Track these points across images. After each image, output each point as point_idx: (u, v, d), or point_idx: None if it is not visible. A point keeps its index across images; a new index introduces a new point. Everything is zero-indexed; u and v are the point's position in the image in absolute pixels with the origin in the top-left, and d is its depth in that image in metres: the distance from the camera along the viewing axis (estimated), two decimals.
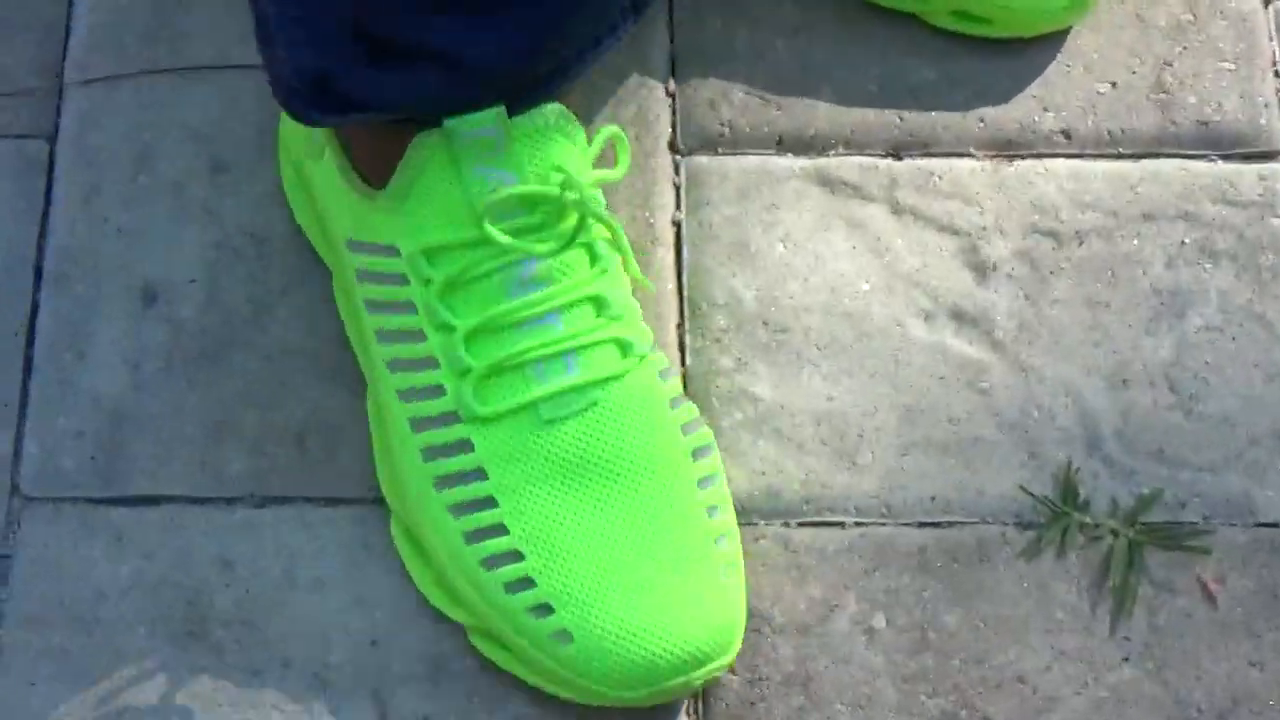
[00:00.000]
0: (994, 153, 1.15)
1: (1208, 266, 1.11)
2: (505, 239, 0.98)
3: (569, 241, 0.99)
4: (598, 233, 1.01)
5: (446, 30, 1.00)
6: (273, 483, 1.05)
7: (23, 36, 1.21)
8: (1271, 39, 1.21)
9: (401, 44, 1.02)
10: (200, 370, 1.09)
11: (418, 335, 1.01)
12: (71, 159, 1.15)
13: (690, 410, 1.03)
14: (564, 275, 1.00)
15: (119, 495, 1.05)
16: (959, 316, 1.10)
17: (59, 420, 1.07)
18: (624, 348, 1.00)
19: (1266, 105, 1.18)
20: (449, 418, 1.00)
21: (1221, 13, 1.21)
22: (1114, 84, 1.18)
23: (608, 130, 1.03)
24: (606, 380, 1.00)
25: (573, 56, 1.05)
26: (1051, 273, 1.11)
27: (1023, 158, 1.15)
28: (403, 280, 1.02)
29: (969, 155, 1.15)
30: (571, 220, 1.00)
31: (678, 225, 1.13)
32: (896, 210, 1.13)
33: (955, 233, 1.13)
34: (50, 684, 1.00)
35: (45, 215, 1.14)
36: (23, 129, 1.17)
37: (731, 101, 1.18)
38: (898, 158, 1.15)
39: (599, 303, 1.00)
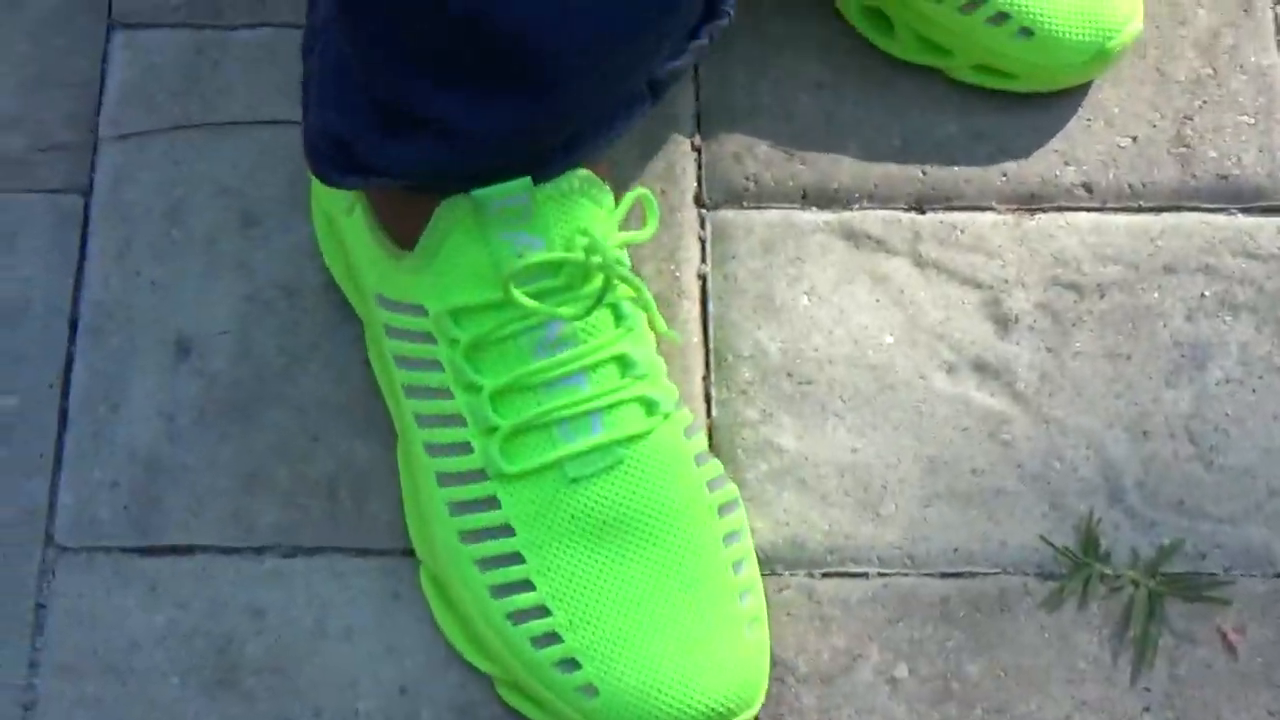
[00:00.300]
0: (1016, 206, 1.15)
1: (1228, 319, 1.12)
2: (531, 303, 0.99)
3: (594, 304, 1.00)
4: (623, 293, 1.02)
5: (450, 106, 1.01)
6: (304, 533, 1.05)
7: (58, 93, 1.22)
8: None
9: (409, 114, 1.03)
10: (233, 422, 1.09)
11: (445, 393, 1.02)
12: (106, 213, 1.16)
13: (716, 467, 1.04)
14: (589, 336, 1.01)
15: (152, 545, 1.05)
16: (981, 369, 1.10)
17: (94, 472, 1.07)
18: (649, 406, 1.01)
19: None
20: (476, 475, 1.00)
21: (1241, 67, 1.22)
22: (1134, 138, 1.19)
23: (636, 192, 1.04)
24: (632, 439, 1.00)
25: (584, 135, 1.05)
26: (1073, 325, 1.12)
27: (1044, 211, 1.16)
28: (430, 339, 1.02)
29: (991, 209, 1.15)
30: (596, 283, 1.00)
31: (703, 278, 1.14)
32: (919, 263, 1.14)
33: (978, 285, 1.13)
34: None
35: (80, 269, 1.14)
36: (58, 184, 1.18)
37: (756, 156, 1.18)
38: (921, 211, 1.15)
39: (624, 362, 1.01)
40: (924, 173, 1.18)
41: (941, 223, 1.15)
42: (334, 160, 1.05)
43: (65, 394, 1.10)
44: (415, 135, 1.02)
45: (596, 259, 1.00)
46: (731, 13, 1.06)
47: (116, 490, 1.07)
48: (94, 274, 1.14)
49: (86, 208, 1.17)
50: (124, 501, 1.06)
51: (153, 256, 1.15)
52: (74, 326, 1.12)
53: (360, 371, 1.10)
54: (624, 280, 1.01)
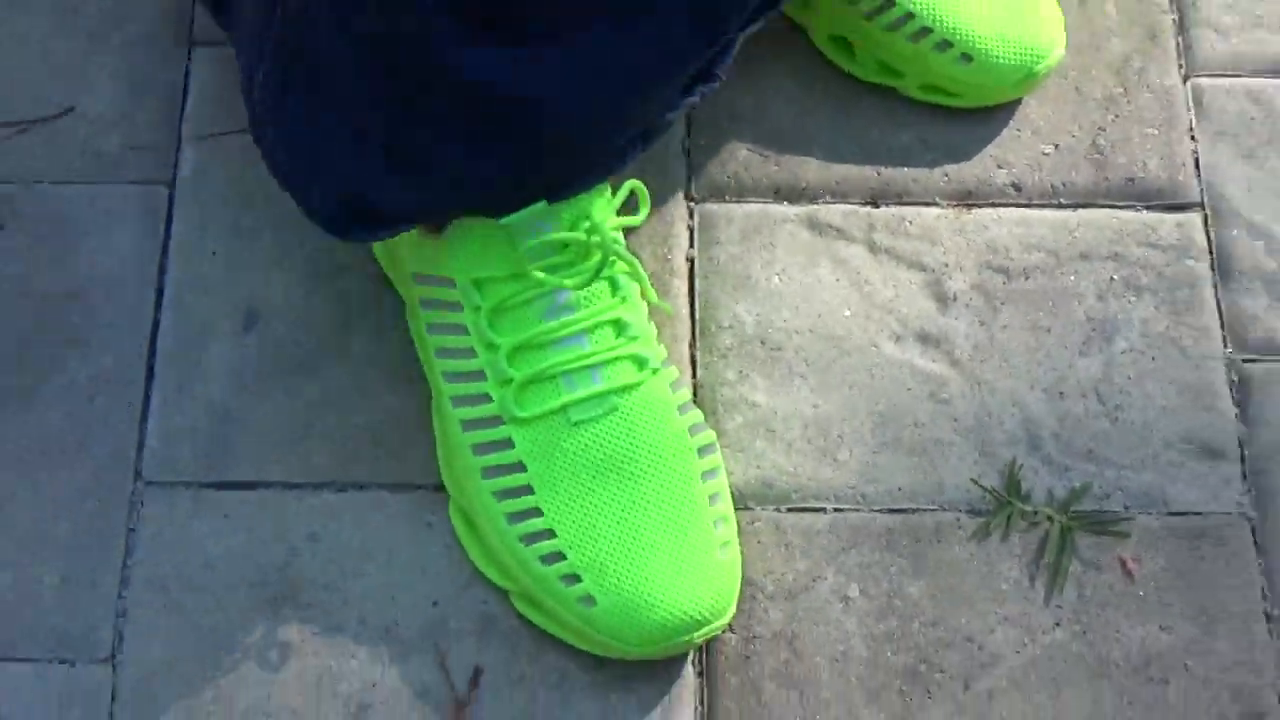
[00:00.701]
0: (956, 202, 1.16)
1: (1132, 299, 1.13)
2: (542, 275, 1.00)
3: (594, 276, 1.02)
4: (619, 268, 1.04)
5: (453, 156, 1.02)
6: (353, 471, 1.07)
7: (149, 100, 1.23)
8: (1189, 109, 1.22)
9: (415, 162, 1.04)
10: (294, 378, 1.11)
11: (469, 352, 1.03)
12: (186, 202, 1.17)
13: (697, 415, 1.04)
14: (590, 303, 1.02)
15: (225, 480, 1.07)
16: (924, 339, 1.11)
17: (175, 419, 1.09)
18: (640, 362, 1.02)
19: (1183, 165, 1.19)
20: (494, 420, 1.02)
21: (1147, 87, 1.22)
22: (1056, 146, 1.19)
23: (630, 183, 1.05)
24: (625, 389, 1.02)
25: (580, 178, 1.06)
26: (1002, 303, 1.13)
27: (980, 206, 1.17)
28: (456, 306, 1.04)
29: (935, 204, 1.16)
30: (596, 259, 1.02)
31: (691, 261, 1.15)
32: (873, 249, 1.15)
33: (922, 269, 1.14)
34: (169, 635, 1.02)
35: (164, 249, 1.15)
36: (147, 177, 1.19)
37: (737, 158, 1.18)
38: (875, 205, 1.17)
39: (619, 325, 1.02)
40: (879, 173, 1.19)
41: (893, 215, 1.16)
42: (344, 220, 1.07)
43: (152, 354, 1.12)
44: (422, 181, 1.04)
45: (596, 239, 1.01)
46: (724, 76, 1.06)
47: (195, 434, 1.08)
48: (176, 254, 1.15)
49: (170, 198, 1.18)
50: (201, 444, 1.08)
51: (226, 239, 1.16)
52: (159, 296, 1.14)
53: (400, 338, 1.11)
54: (619, 257, 1.03)
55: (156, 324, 1.12)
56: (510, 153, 1.01)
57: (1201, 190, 1.18)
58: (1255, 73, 1.23)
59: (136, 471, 1.07)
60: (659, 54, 1.01)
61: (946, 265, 1.14)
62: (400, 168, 1.02)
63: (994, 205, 1.17)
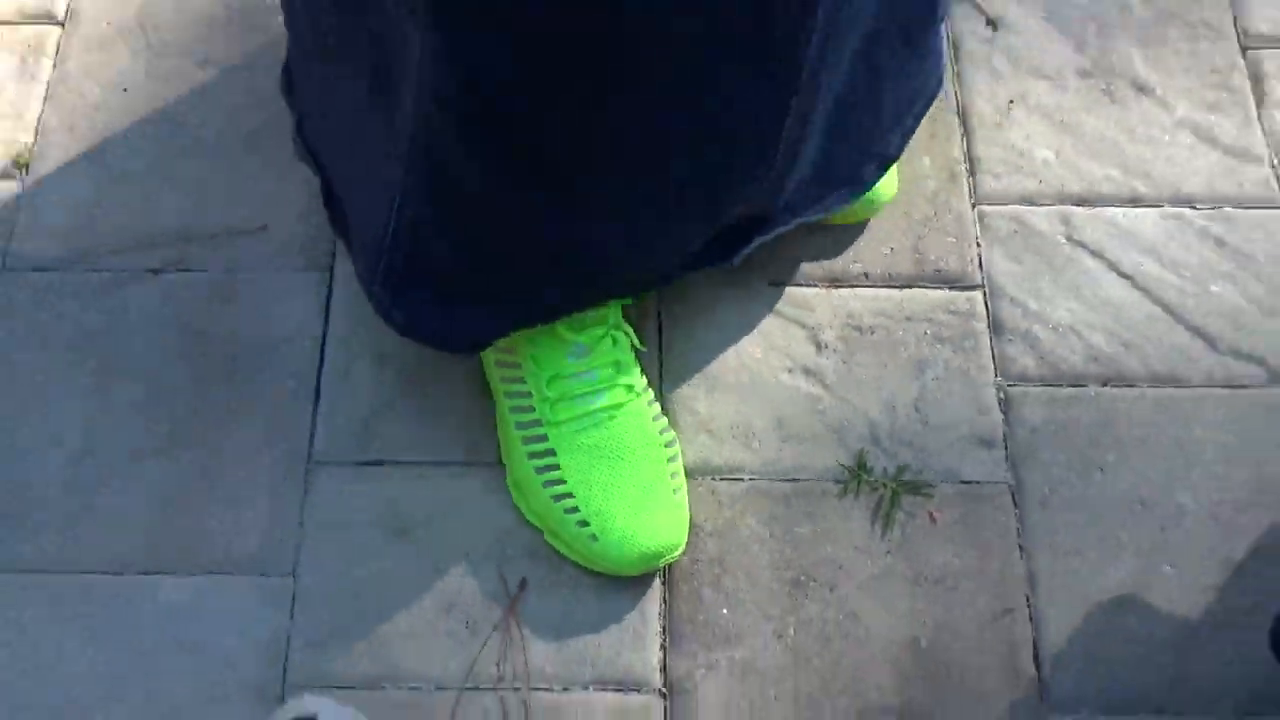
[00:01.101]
0: (828, 284, 1.17)
1: (939, 346, 1.14)
2: (568, 334, 1.02)
3: (603, 336, 1.03)
4: (620, 328, 1.05)
5: (549, 299, 1.01)
6: (446, 454, 1.08)
7: (313, 218, 1.18)
8: (975, 225, 1.21)
9: (513, 307, 1.02)
10: (407, 399, 1.11)
11: (520, 380, 1.04)
12: (340, 285, 1.16)
13: (663, 421, 1.06)
14: (598, 351, 1.03)
15: (375, 459, 1.08)
16: (807, 371, 1.13)
17: (334, 421, 1.10)
18: (629, 389, 1.04)
19: (971, 261, 1.19)
20: (536, 423, 1.03)
21: (949, 211, 1.21)
22: (892, 249, 1.19)
23: None
24: (619, 405, 1.03)
25: (615, 298, 1.05)
26: (856, 349, 1.14)
27: (842, 287, 1.17)
28: (513, 351, 1.04)
29: (815, 285, 1.17)
30: (604, 326, 1.03)
31: (660, 323, 1.15)
32: (776, 314, 1.16)
33: (804, 326, 1.15)
34: (331, 559, 1.03)
35: (326, 314, 1.15)
36: (316, 266, 1.17)
37: None
38: (777, 284, 1.17)
39: (617, 365, 1.03)
40: (779, 266, 1.18)
41: (790, 291, 1.16)
42: (453, 346, 1.06)
43: (318, 380, 1.12)
44: (513, 318, 1.02)
45: (605, 315, 1.04)
46: (736, 262, 1.05)
47: (347, 432, 1.09)
48: (333, 317, 1.15)
49: (330, 280, 1.17)
50: (351, 438, 1.09)
51: (363, 307, 1.11)
52: (323, 344, 1.13)
53: (477, 371, 1.10)
54: (618, 324, 1.05)
55: (321, 360, 1.13)
56: (579, 291, 1.01)
57: (983, 278, 1.18)
58: (1018, 201, 1.22)
59: (309, 455, 1.08)
60: (700, 259, 1.04)
61: (820, 324, 1.15)
62: (501, 314, 1.01)
63: (851, 286, 1.17)
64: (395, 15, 0.85)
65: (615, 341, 1.04)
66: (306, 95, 1.09)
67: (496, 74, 0.85)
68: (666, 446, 1.05)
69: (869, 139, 1.07)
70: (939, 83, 1.10)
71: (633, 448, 1.03)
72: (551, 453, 1.02)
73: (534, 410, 1.03)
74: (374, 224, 1.00)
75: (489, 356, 1.07)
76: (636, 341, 1.07)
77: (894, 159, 1.10)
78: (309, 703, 0.86)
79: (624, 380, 1.04)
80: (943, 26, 1.07)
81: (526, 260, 0.97)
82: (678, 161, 0.93)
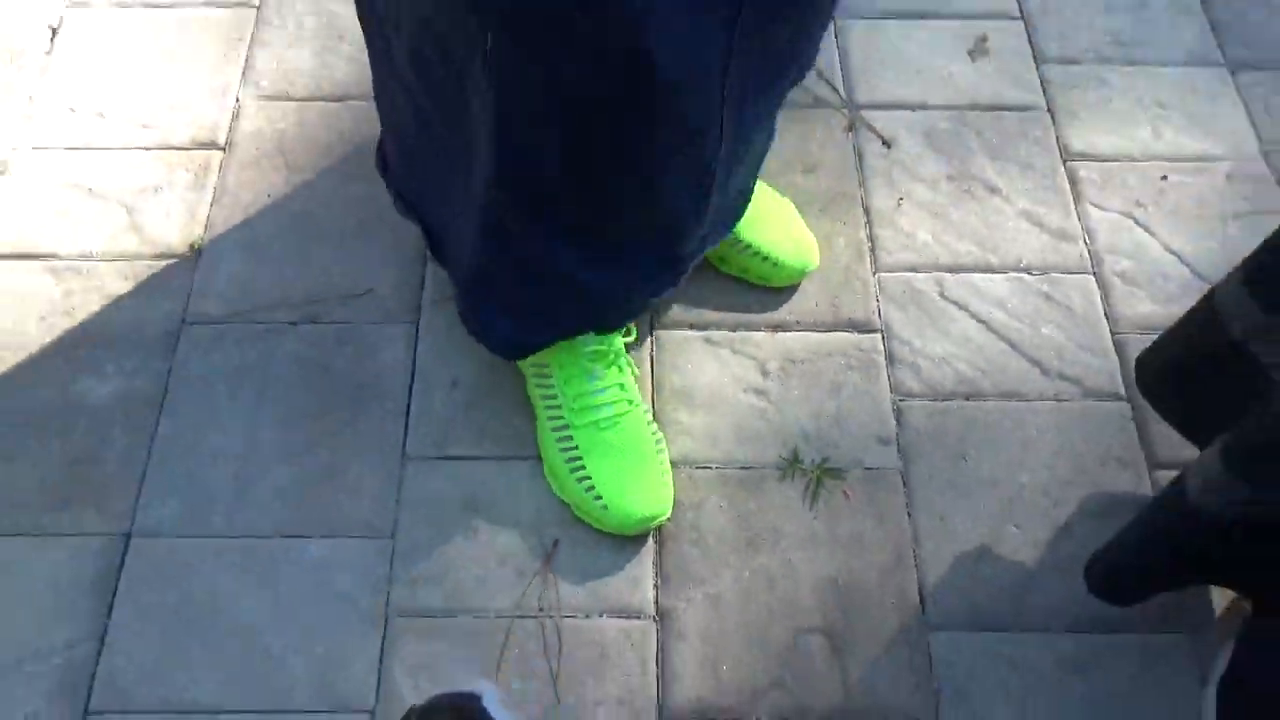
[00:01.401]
0: (771, 329, 1.16)
1: (850, 373, 1.14)
2: (589, 364, 1.03)
3: (611, 363, 1.04)
4: (623, 361, 1.05)
5: (572, 316, 1.00)
6: (499, 450, 1.08)
7: (409, 282, 1.16)
8: (877, 287, 1.18)
9: (547, 324, 1.00)
10: (472, 410, 1.10)
11: (553, 394, 1.04)
12: (424, 333, 1.14)
13: (655, 426, 1.06)
14: (608, 375, 1.04)
15: (449, 455, 1.07)
16: (757, 391, 1.12)
17: (420, 429, 1.09)
18: (630, 402, 1.04)
19: (875, 310, 1.15)
20: (565, 426, 1.03)
21: (856, 276, 1.17)
22: (816, 303, 1.18)
23: (631, 325, 1.06)
24: (624, 414, 1.04)
25: (615, 326, 1.03)
26: (791, 375, 1.13)
27: (781, 331, 1.15)
28: (548, 373, 1.05)
29: (761, 330, 1.16)
30: (612, 356, 1.04)
31: (653, 356, 1.14)
32: (734, 351, 1.15)
33: (754, 359, 1.15)
34: (423, 524, 1.02)
35: (414, 355, 1.13)
36: (404, 319, 1.16)
37: (673, 311, 1.16)
38: (734, 330, 1.15)
39: (621, 386, 1.04)
40: (735, 315, 1.16)
41: (743, 336, 1.15)
42: (509, 352, 1.04)
43: (409, 400, 1.10)
44: (551, 333, 1.01)
45: (614, 348, 1.04)
46: (681, 284, 1.01)
47: (430, 435, 1.08)
48: (421, 352, 1.13)
49: (417, 330, 1.16)
50: (433, 439, 1.08)
51: (442, 345, 1.13)
52: (412, 375, 1.12)
53: (522, 387, 1.09)
54: (623, 356, 1.05)
55: (410, 386, 1.12)
56: (590, 315, 1.01)
57: (881, 324, 1.17)
58: (906, 270, 1.21)
59: (403, 453, 1.08)
60: (661, 285, 1.01)
61: (766, 358, 1.14)
62: (542, 331, 1.01)
63: (788, 331, 1.16)
64: (473, 109, 0.83)
65: (620, 370, 1.05)
66: (399, 167, 1.04)
67: (543, 164, 0.84)
68: (657, 444, 1.05)
69: (743, 187, 1.04)
70: (772, 136, 1.04)
71: (633, 444, 1.03)
72: (576, 447, 1.02)
73: (563, 417, 1.03)
74: (459, 257, 0.99)
75: (531, 380, 1.06)
76: (635, 370, 1.08)
77: (752, 193, 1.06)
78: (479, 684, 0.76)
79: (626, 396, 1.04)
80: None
81: (555, 291, 0.96)
82: (659, 221, 0.92)
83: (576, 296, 0.97)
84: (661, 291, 1.01)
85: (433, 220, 1.03)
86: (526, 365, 1.07)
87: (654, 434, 1.05)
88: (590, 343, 1.02)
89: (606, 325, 1.01)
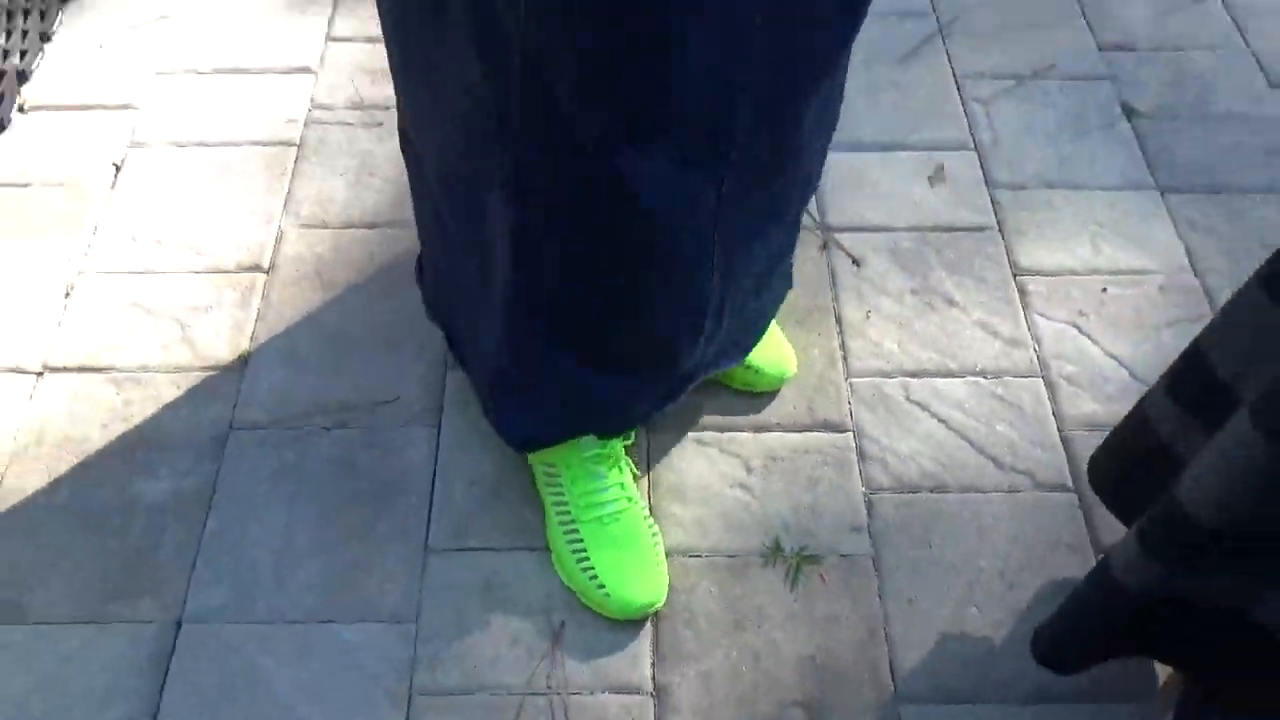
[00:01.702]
0: (754, 430, 1.18)
1: (825, 468, 1.16)
2: (593, 466, 1.05)
3: (614, 466, 1.07)
4: (624, 462, 1.08)
5: (578, 424, 1.02)
6: (513, 541, 1.10)
7: (431, 388, 1.21)
8: (849, 391, 1.21)
9: (561, 429, 1.02)
10: (493, 502, 1.12)
11: (561, 492, 1.06)
12: (446, 430, 1.18)
13: (651, 520, 1.08)
14: (610, 475, 1.07)
15: (467, 547, 1.09)
16: (741, 485, 1.14)
17: (439, 524, 1.11)
18: (630, 499, 1.07)
19: (845, 414, 1.21)
20: (571, 520, 1.06)
21: (830, 382, 1.21)
22: (794, 407, 1.20)
23: (633, 429, 1.10)
24: (623, 510, 1.06)
25: (617, 434, 1.05)
26: (773, 472, 1.15)
27: (763, 432, 1.19)
28: (557, 473, 1.08)
29: (745, 431, 1.17)
30: (613, 459, 1.07)
31: (649, 458, 1.17)
32: (721, 451, 1.17)
33: (739, 457, 1.15)
34: (446, 604, 1.04)
35: (436, 449, 1.16)
36: (427, 423, 1.19)
37: (668, 419, 1.16)
38: (721, 432, 1.17)
39: (621, 485, 1.07)
40: (726, 420, 1.17)
41: (722, 436, 1.17)
42: (525, 448, 1.06)
43: (431, 494, 1.14)
44: (564, 434, 1.03)
45: (614, 451, 1.07)
46: (682, 398, 1.02)
47: (452, 525, 1.11)
48: (443, 453, 1.16)
49: (439, 427, 1.18)
50: (454, 529, 1.11)
51: (463, 438, 1.16)
52: (434, 468, 1.15)
53: (530, 483, 1.12)
54: (623, 458, 1.08)
55: (432, 484, 1.15)
56: (596, 420, 1.04)
57: (853, 425, 1.20)
58: (875, 375, 1.24)
59: (426, 544, 1.11)
60: (661, 401, 1.05)
61: (749, 456, 1.17)
62: (553, 431, 1.04)
63: (769, 431, 1.19)
64: (493, 231, 0.87)
65: (621, 470, 1.08)
66: (431, 278, 1.09)
67: (554, 285, 0.88)
68: (654, 536, 1.08)
69: (757, 319, 1.08)
70: (789, 281, 1.08)
71: (633, 537, 1.05)
72: (581, 540, 1.05)
73: (570, 513, 1.06)
74: (482, 360, 1.01)
75: (541, 478, 1.09)
76: (635, 470, 1.12)
77: (767, 325, 1.09)
78: None
79: (626, 494, 1.07)
80: (791, 259, 1.07)
81: (566, 398, 0.99)
82: (657, 343, 0.94)
83: (585, 404, 1.00)
84: (661, 406, 1.03)
85: (457, 327, 1.07)
86: (537, 465, 1.09)
87: (651, 528, 1.07)
88: (594, 446, 1.05)
89: (610, 431, 1.04)
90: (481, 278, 0.92)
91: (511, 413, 1.02)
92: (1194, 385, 0.87)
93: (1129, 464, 0.95)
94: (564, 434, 1.02)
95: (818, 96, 0.78)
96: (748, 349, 1.08)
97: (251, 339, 1.26)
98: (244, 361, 1.25)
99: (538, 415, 1.01)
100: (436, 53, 0.74)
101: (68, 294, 1.28)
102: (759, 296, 1.01)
